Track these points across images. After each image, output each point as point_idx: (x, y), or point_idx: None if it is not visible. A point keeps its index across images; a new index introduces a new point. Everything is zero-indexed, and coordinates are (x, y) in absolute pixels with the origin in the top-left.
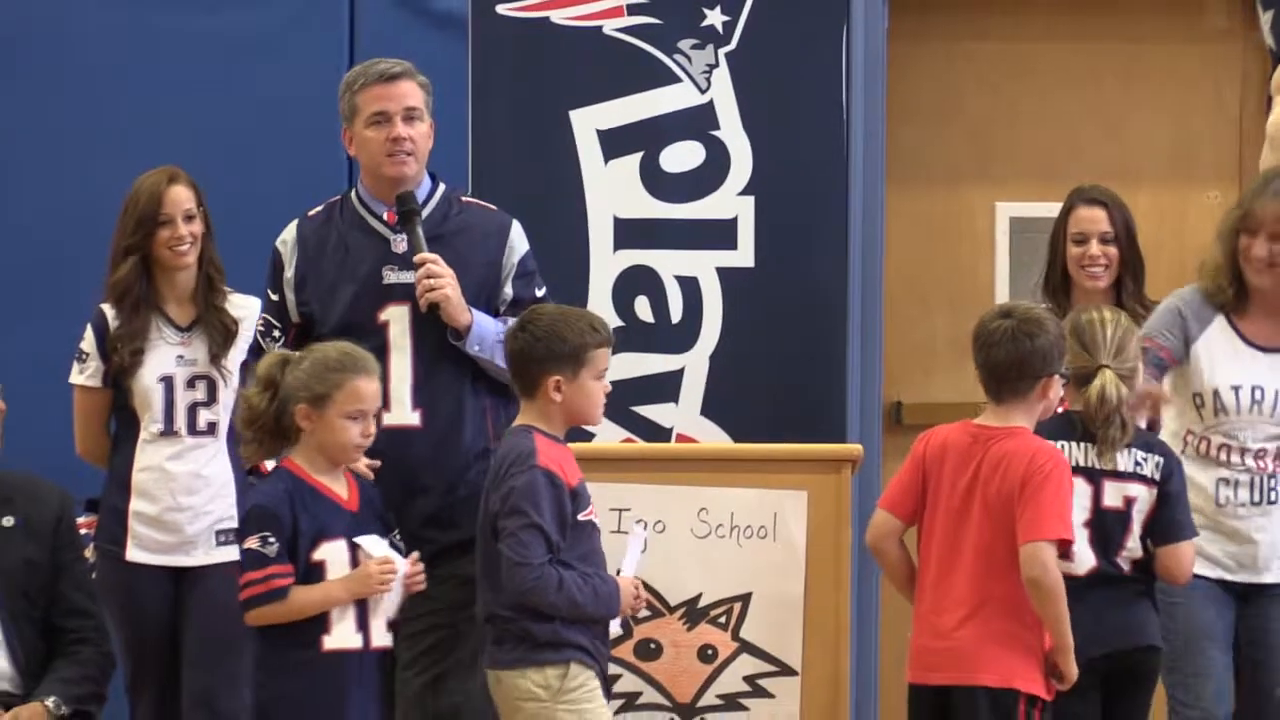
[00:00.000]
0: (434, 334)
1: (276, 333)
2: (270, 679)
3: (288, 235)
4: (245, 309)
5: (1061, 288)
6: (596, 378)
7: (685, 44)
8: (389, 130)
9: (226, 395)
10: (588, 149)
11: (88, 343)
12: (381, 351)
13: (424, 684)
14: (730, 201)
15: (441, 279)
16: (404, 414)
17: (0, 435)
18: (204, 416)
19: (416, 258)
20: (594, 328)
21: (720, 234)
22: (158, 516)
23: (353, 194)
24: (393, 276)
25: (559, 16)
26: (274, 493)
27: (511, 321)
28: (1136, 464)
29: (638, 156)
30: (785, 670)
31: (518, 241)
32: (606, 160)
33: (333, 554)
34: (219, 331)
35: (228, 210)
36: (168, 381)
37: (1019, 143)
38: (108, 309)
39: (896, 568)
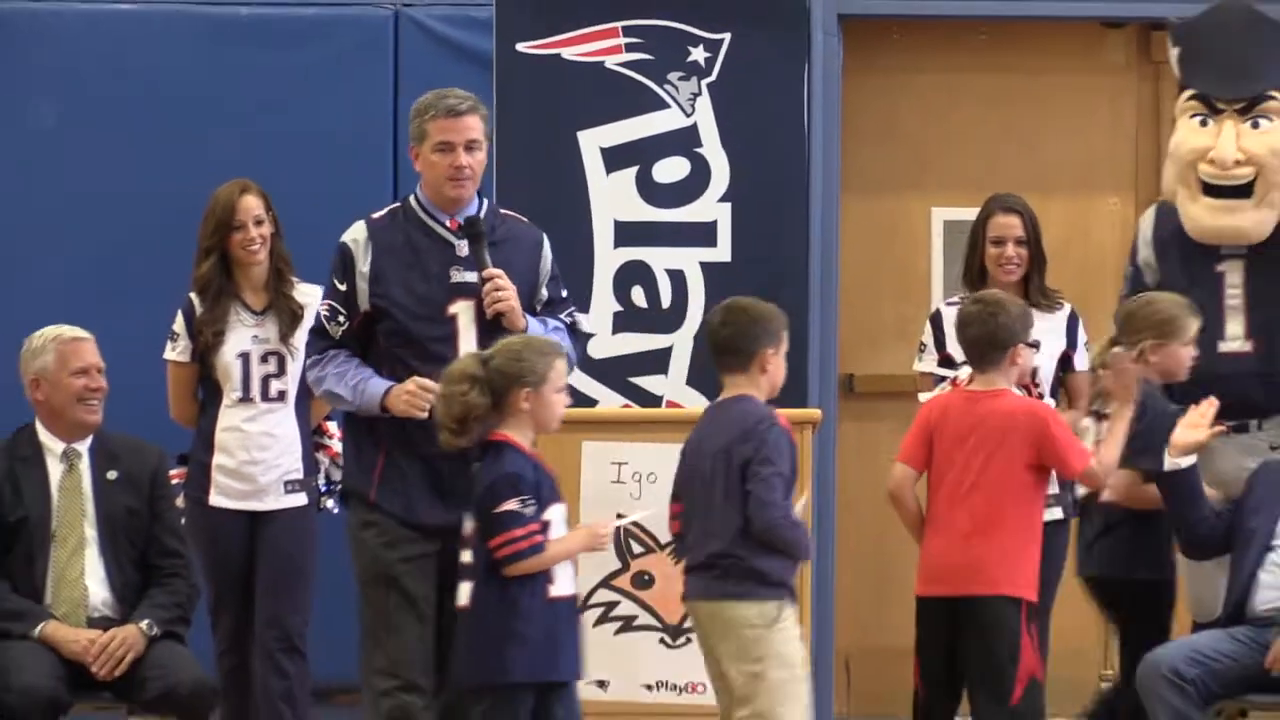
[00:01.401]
0: (494, 326)
1: (341, 318)
2: (505, 622)
3: (358, 234)
4: (310, 295)
5: (979, 280)
6: (784, 353)
7: (673, 76)
8: (453, 159)
9: (294, 368)
10: (592, 163)
11: (178, 325)
12: (451, 340)
13: (445, 631)
14: (711, 207)
15: (506, 291)
16: None
17: (101, 409)
18: (275, 386)
19: (485, 273)
20: (778, 311)
21: (703, 234)
22: (236, 469)
23: (412, 201)
24: (458, 275)
25: (568, 53)
26: (524, 463)
27: (551, 325)
28: None
29: (634, 169)
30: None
31: (548, 250)
32: (608, 172)
33: (557, 514)
34: (287, 315)
35: (292, 213)
36: (244, 357)
37: (951, 158)
38: (194, 297)
39: (911, 510)
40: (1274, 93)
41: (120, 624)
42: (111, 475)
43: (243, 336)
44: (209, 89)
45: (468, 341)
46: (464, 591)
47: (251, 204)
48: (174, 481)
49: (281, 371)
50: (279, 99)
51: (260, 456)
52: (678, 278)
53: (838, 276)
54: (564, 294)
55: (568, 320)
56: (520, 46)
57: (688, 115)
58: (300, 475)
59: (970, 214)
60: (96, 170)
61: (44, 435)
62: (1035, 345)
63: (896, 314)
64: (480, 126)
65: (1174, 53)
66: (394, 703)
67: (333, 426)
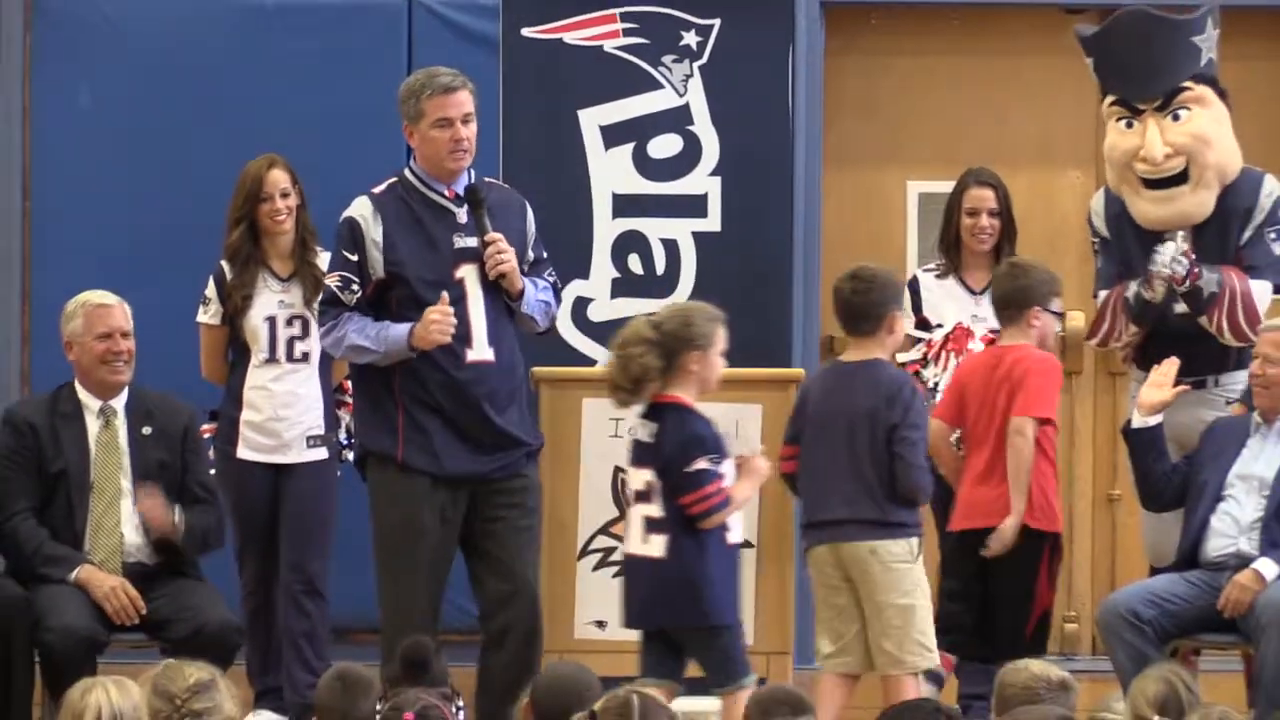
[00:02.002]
0: (495, 289)
1: (355, 287)
2: (701, 569)
3: (363, 209)
4: None
5: (954, 248)
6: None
7: (667, 59)
8: (452, 132)
9: (317, 331)
10: (592, 140)
11: (210, 290)
12: (461, 301)
13: (498, 567)
14: (702, 180)
15: (506, 254)
16: (482, 351)
17: (128, 370)
18: (299, 347)
19: (486, 237)
20: (898, 275)
21: (694, 206)
22: (262, 424)
23: (409, 175)
24: (461, 242)
25: (570, 38)
26: (703, 422)
27: (541, 285)
28: None
29: (630, 146)
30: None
31: (531, 213)
32: (606, 148)
33: (729, 467)
34: (311, 281)
35: (313, 187)
36: (271, 321)
37: (925, 134)
38: (225, 265)
39: (948, 460)
40: (1187, 84)
41: (154, 570)
42: (146, 430)
43: (269, 301)
44: (238, 72)
45: (476, 303)
46: (657, 543)
47: (279, 177)
48: (205, 435)
49: (305, 334)
50: (303, 81)
51: (285, 414)
52: (671, 246)
53: (819, 245)
54: (544, 255)
55: (551, 279)
56: (525, 31)
57: (680, 95)
58: (322, 431)
59: (943, 186)
60: (133, 147)
61: (82, 393)
62: (1059, 315)
63: None
64: (471, 100)
65: (1089, 62)
66: (411, 641)
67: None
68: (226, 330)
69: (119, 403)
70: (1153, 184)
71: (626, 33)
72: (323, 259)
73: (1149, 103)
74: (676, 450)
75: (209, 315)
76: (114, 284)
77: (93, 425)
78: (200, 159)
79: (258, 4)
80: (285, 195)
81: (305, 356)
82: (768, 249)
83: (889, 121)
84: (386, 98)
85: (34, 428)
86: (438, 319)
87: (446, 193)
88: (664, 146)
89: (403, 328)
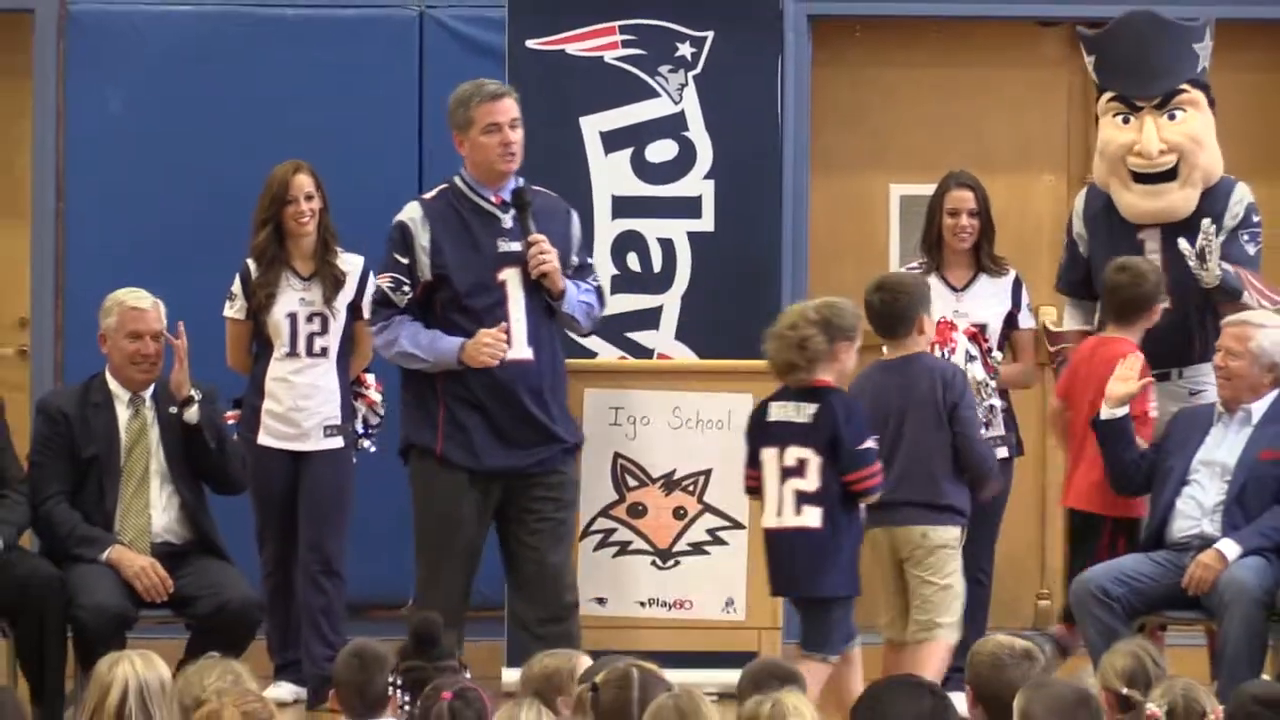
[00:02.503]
0: (537, 290)
1: (406, 288)
2: (850, 543)
3: (414, 214)
4: (352, 264)
5: (936, 247)
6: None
7: (663, 69)
8: (502, 136)
9: (335, 327)
10: (593, 145)
11: (236, 287)
12: (502, 303)
13: (540, 556)
14: (697, 184)
15: (549, 254)
16: (522, 350)
17: (156, 369)
18: (318, 343)
19: (530, 238)
20: (922, 278)
21: (689, 207)
22: (283, 414)
23: (458, 182)
24: (504, 246)
25: (572, 49)
26: (860, 406)
27: (584, 288)
28: None
29: (629, 150)
30: (736, 525)
31: (576, 220)
32: (606, 153)
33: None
34: (331, 281)
35: (329, 192)
36: (292, 317)
37: (907, 140)
38: (250, 263)
39: (1062, 434)
40: (1184, 86)
41: (181, 550)
42: (174, 409)
43: (291, 299)
44: (258, 81)
45: (517, 306)
46: (812, 514)
47: (304, 181)
48: (229, 422)
49: (325, 330)
50: (319, 90)
51: (304, 404)
52: (667, 245)
53: (807, 245)
54: (590, 261)
55: (595, 284)
56: (530, 43)
57: (676, 103)
58: (338, 421)
59: (924, 190)
60: (161, 152)
61: (112, 384)
62: (1167, 304)
63: (858, 278)
64: (516, 107)
65: (1089, 60)
66: (421, 617)
67: (370, 378)
68: (250, 324)
69: (147, 391)
70: (1142, 179)
71: (625, 44)
72: (343, 259)
73: (1148, 101)
74: (847, 429)
75: (234, 310)
76: (142, 280)
77: (123, 414)
78: (219, 164)
79: (278, 15)
80: (309, 198)
81: (324, 351)
82: (758, 248)
83: (873, 129)
84: (398, 106)
85: (66, 416)
86: (490, 342)
87: (493, 199)
88: (660, 151)
89: (454, 342)
